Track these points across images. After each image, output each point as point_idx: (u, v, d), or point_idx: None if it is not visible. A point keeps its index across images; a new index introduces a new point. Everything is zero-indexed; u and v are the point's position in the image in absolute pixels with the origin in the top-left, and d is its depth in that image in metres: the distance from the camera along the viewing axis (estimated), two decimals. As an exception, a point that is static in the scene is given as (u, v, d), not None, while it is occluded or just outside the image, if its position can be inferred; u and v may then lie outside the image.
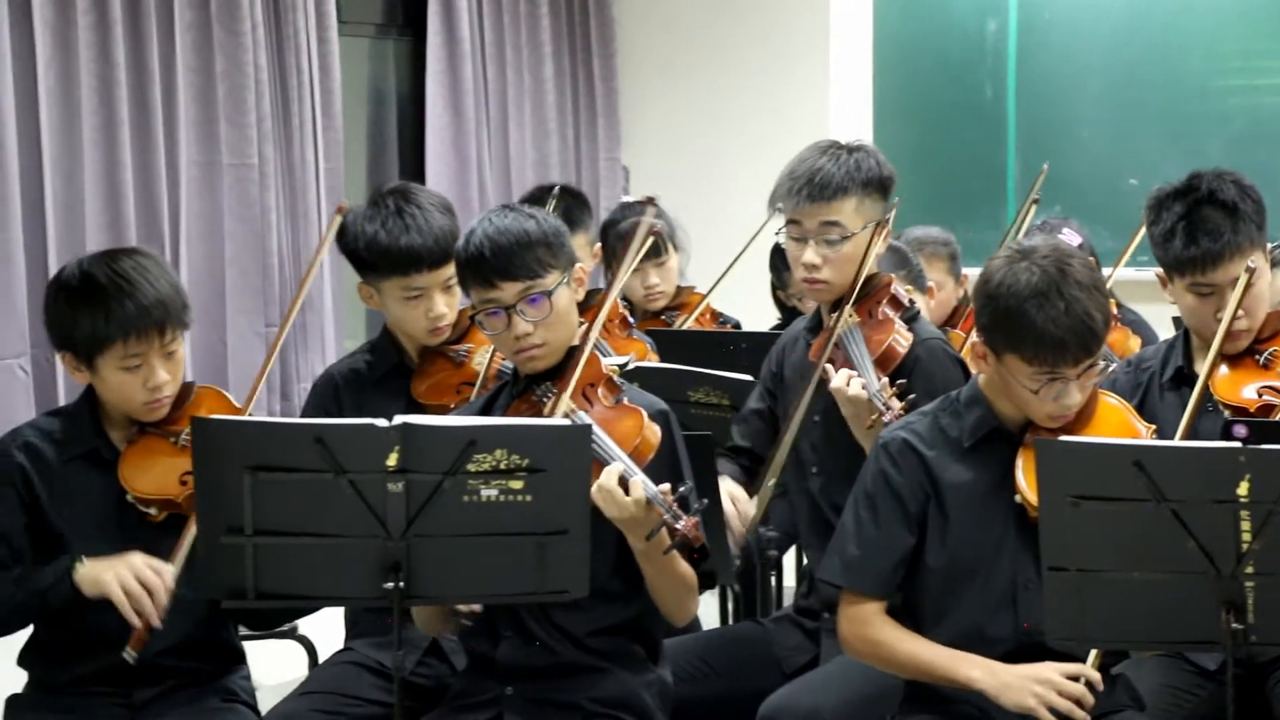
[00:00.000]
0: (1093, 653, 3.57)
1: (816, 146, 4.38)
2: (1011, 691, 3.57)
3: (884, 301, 4.32)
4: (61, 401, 4.89)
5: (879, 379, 4.13)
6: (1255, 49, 8.26)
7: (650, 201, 3.82)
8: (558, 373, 3.72)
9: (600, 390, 3.71)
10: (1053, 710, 3.52)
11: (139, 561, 3.74)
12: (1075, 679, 3.55)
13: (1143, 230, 4.30)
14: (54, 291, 3.86)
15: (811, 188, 4.28)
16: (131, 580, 3.71)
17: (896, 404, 4.04)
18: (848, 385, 4.12)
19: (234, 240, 5.70)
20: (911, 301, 4.40)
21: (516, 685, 3.75)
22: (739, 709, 4.37)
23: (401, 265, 4.21)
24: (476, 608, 3.72)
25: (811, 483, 4.35)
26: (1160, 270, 4.22)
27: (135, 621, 3.72)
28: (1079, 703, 3.53)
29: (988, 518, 3.67)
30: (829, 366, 4.20)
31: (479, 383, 4.24)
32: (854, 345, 4.23)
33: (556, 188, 5.80)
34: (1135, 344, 6.13)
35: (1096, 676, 3.56)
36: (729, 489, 4.31)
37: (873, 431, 4.06)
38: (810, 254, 4.30)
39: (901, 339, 4.26)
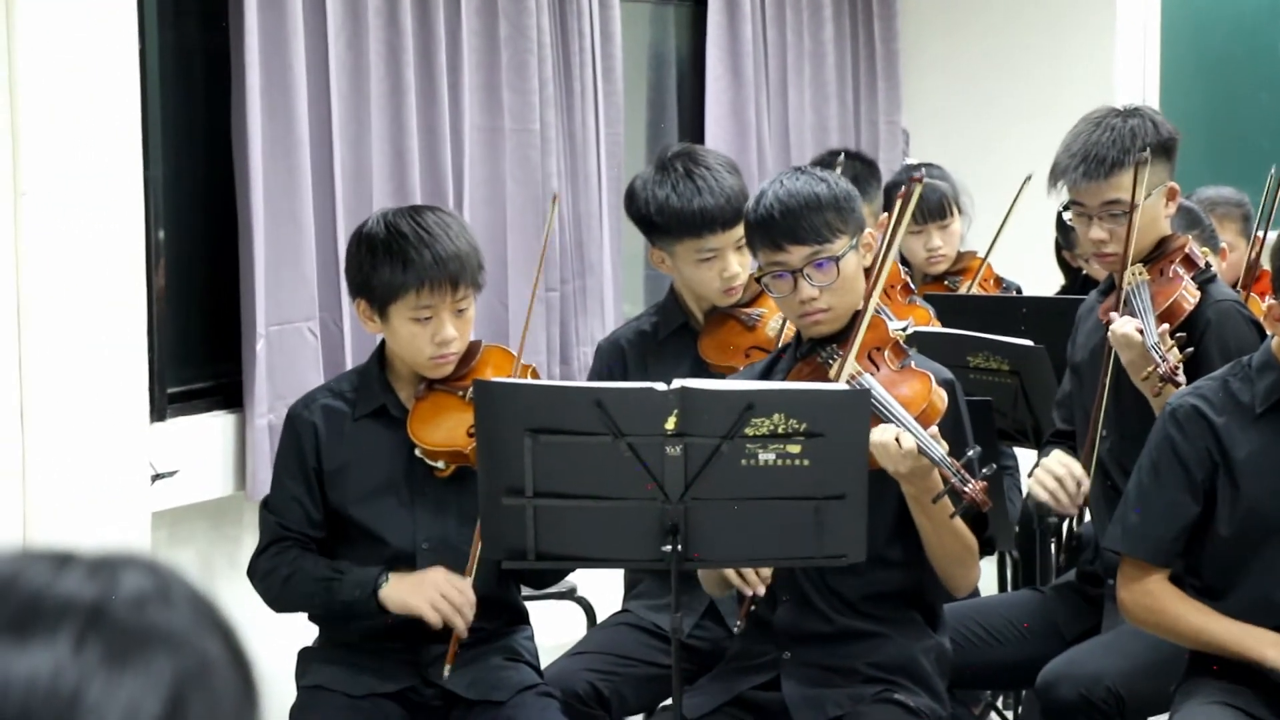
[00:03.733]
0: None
1: (1090, 118, 4.29)
2: None
3: (1177, 261, 4.24)
4: (349, 364, 4.98)
5: (1158, 329, 4.05)
6: None
7: (919, 180, 3.79)
8: (843, 335, 3.71)
9: (887, 354, 3.69)
10: None
11: (443, 580, 3.81)
12: None
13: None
14: (357, 239, 3.94)
15: (1088, 165, 4.20)
16: (442, 603, 3.79)
17: (1174, 356, 3.96)
18: (1122, 327, 4.06)
19: (515, 205, 5.75)
20: (1208, 264, 4.31)
21: (794, 649, 3.76)
22: (1018, 675, 4.33)
23: (695, 227, 4.23)
24: (761, 590, 3.73)
25: (1100, 445, 4.28)
26: None
27: (454, 629, 3.82)
28: None
29: (1280, 485, 3.58)
30: (1114, 315, 4.14)
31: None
32: (1139, 299, 4.15)
33: (844, 153, 5.76)
34: None
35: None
36: (1063, 460, 4.27)
37: (1148, 383, 3.99)
38: (1096, 231, 4.23)
39: (1189, 295, 4.16)
